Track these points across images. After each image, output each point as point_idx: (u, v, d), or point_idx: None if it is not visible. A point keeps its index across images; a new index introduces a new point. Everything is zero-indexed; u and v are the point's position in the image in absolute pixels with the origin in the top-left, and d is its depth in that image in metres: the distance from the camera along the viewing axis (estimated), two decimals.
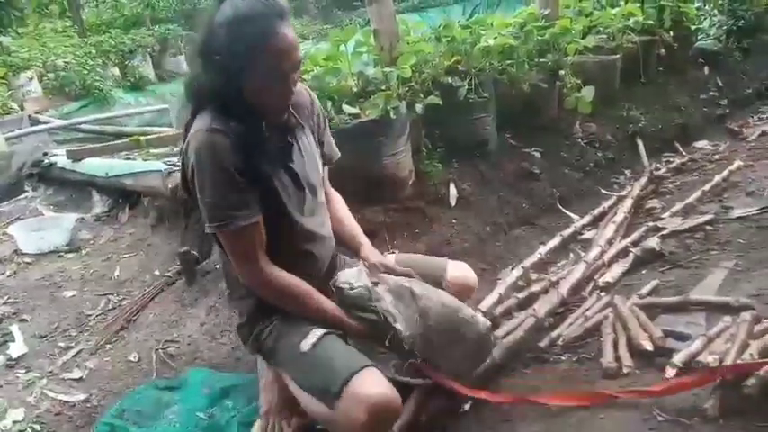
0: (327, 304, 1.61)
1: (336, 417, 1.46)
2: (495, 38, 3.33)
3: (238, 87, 1.46)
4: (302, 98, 1.69)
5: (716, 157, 3.84)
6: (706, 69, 4.93)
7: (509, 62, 3.37)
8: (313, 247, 1.68)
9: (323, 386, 1.47)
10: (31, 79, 7.80)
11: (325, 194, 1.85)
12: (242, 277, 1.58)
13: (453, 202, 3.08)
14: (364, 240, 1.84)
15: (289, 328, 1.61)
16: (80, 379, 2.24)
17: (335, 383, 1.44)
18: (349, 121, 2.71)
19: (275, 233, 1.57)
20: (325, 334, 1.56)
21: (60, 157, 4.08)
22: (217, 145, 1.45)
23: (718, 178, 3.23)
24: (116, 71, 8.95)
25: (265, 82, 1.46)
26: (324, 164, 1.81)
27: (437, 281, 1.81)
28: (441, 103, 2.95)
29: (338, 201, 1.93)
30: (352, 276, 1.61)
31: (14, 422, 1.98)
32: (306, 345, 1.54)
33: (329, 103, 2.74)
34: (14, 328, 2.56)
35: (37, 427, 1.97)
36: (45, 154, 4.25)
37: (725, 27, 5.19)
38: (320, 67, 2.95)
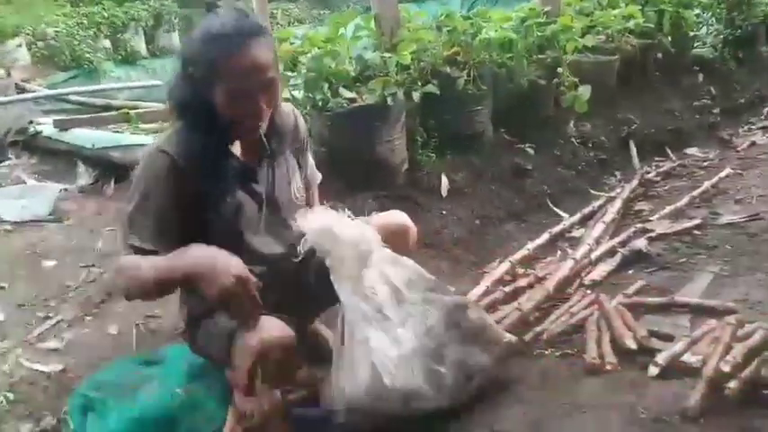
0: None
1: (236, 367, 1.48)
2: (496, 31, 3.31)
3: (208, 102, 1.44)
4: (287, 120, 1.67)
5: (705, 164, 3.86)
6: (700, 76, 4.94)
7: (508, 56, 3.36)
8: (261, 264, 1.57)
9: (221, 345, 1.51)
10: (20, 46, 7.63)
11: None
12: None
13: (444, 193, 3.07)
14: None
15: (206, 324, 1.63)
16: (57, 350, 2.19)
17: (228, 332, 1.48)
18: (345, 105, 2.68)
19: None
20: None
21: (47, 126, 4.01)
22: (158, 168, 1.44)
23: (707, 184, 3.25)
24: (107, 44, 8.74)
25: (231, 98, 1.42)
26: (305, 188, 1.76)
27: None
28: (438, 92, 2.94)
29: None
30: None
31: None
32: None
33: (326, 86, 2.71)
34: None
35: (10, 395, 1.93)
36: (31, 122, 4.18)
37: (722, 36, 5.22)
38: (319, 48, 2.92)
